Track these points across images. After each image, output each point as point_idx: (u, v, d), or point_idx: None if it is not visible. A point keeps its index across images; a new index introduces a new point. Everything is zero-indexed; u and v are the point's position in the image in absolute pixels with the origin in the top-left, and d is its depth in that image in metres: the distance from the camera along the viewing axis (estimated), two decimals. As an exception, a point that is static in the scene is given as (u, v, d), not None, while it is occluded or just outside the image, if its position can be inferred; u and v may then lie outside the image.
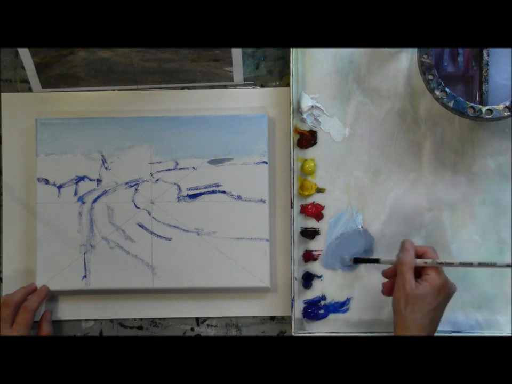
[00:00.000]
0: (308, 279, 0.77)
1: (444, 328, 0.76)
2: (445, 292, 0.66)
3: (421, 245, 0.73)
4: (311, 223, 0.77)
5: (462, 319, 0.76)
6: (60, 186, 0.77)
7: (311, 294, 0.77)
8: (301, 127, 0.77)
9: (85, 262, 0.76)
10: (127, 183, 0.77)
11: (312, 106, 0.77)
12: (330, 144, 0.77)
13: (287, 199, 0.76)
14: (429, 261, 0.67)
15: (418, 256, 0.68)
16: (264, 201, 0.76)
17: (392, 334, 0.75)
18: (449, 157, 0.77)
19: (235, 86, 0.79)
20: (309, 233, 0.77)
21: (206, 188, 0.77)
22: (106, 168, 0.77)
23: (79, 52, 0.76)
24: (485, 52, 0.72)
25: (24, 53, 0.76)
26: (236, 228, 0.76)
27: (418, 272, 0.67)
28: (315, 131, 0.77)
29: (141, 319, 0.78)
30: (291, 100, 0.75)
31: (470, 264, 0.67)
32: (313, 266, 0.77)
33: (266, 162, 0.76)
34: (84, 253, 0.76)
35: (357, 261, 0.75)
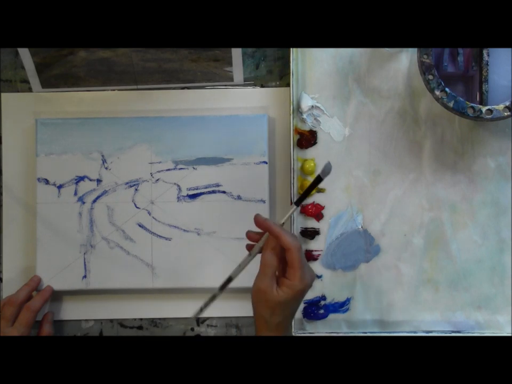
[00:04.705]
0: (308, 279, 0.77)
1: (444, 328, 0.76)
2: (305, 293, 0.64)
3: (289, 241, 0.62)
4: (311, 223, 0.77)
5: (462, 319, 0.76)
6: (60, 186, 0.77)
7: (311, 294, 0.77)
8: (301, 127, 0.77)
9: (85, 262, 0.76)
10: (127, 183, 0.77)
11: (312, 106, 0.77)
12: (330, 144, 0.77)
13: (287, 199, 0.76)
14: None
15: (282, 250, 0.62)
16: (264, 201, 0.76)
17: (392, 334, 0.75)
18: (449, 157, 0.77)
19: (235, 86, 0.79)
20: (309, 233, 0.77)
21: (206, 187, 0.77)
22: (106, 168, 0.77)
23: (79, 52, 0.76)
24: (485, 52, 0.72)
25: (24, 53, 0.76)
26: (236, 228, 0.76)
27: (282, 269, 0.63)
28: (315, 131, 0.77)
29: (141, 319, 0.78)
30: (291, 100, 0.75)
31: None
32: (313, 266, 0.77)
33: (266, 162, 0.76)
34: (84, 253, 0.76)
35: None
